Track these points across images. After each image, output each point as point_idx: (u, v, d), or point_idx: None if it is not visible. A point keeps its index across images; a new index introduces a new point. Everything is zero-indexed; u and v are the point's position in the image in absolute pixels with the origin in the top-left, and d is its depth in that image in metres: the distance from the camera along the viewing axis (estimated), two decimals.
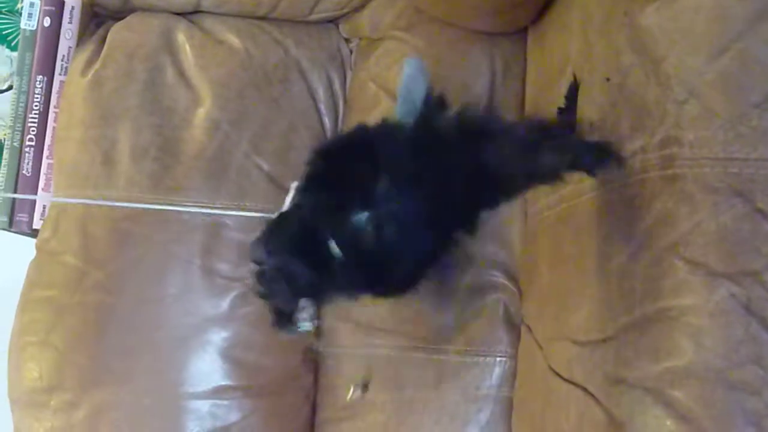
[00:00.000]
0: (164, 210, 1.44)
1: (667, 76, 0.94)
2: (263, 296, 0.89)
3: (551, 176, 0.95)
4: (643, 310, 0.94)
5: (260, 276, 0.88)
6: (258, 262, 0.88)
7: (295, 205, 0.90)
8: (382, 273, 0.91)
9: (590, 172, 0.96)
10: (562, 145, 0.95)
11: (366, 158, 0.89)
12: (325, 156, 0.95)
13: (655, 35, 0.97)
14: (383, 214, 0.87)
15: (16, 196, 1.58)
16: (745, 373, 0.84)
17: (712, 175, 0.89)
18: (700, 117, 0.90)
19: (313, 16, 1.59)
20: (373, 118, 1.47)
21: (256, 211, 1.45)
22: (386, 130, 0.96)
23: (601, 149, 0.95)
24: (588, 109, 1.13)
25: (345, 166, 0.91)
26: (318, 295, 0.89)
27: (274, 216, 0.88)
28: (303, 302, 0.88)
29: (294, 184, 0.92)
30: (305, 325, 0.90)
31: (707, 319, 0.87)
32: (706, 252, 0.88)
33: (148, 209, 1.44)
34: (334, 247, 0.87)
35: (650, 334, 0.93)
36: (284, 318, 0.90)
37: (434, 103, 1.00)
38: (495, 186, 0.95)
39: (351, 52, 1.61)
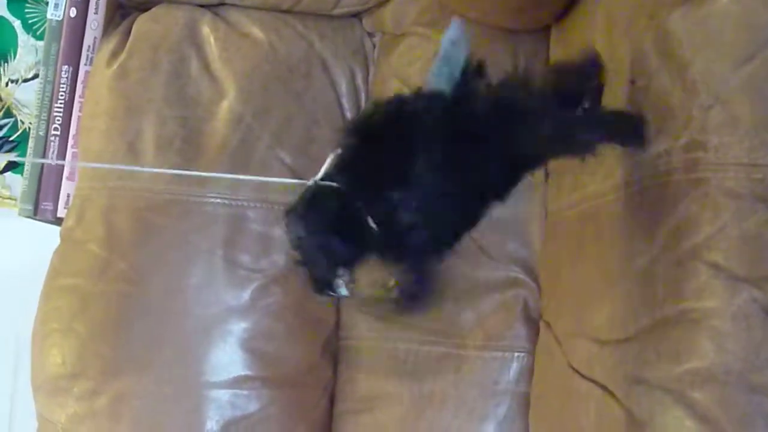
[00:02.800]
0: (187, 200, 1.46)
1: (693, 81, 0.95)
2: (302, 265, 0.91)
3: (585, 151, 0.96)
4: (665, 311, 0.95)
5: (298, 248, 0.90)
6: (296, 238, 0.90)
7: (329, 176, 0.90)
8: (416, 245, 0.92)
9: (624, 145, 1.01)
10: (598, 121, 0.98)
11: (402, 133, 0.89)
12: (361, 128, 0.95)
13: (682, 40, 0.98)
14: (418, 193, 0.87)
15: (44, 161, 1.60)
16: (765, 377, 0.85)
17: (736, 180, 0.90)
18: (725, 123, 0.91)
19: (337, 10, 1.60)
20: None
21: (277, 203, 1.46)
22: (423, 102, 0.95)
23: (633, 122, 0.99)
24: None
25: (381, 140, 0.90)
26: (355, 264, 0.91)
27: (309, 183, 0.88)
28: (340, 270, 0.91)
29: (332, 154, 0.92)
30: (342, 290, 0.92)
31: (729, 322, 0.88)
32: (729, 256, 0.89)
33: (172, 199, 1.45)
34: (371, 223, 0.88)
35: (672, 335, 0.94)
36: (322, 284, 0.92)
37: (472, 74, 0.97)
38: (528, 161, 0.97)
39: (374, 46, 1.62)
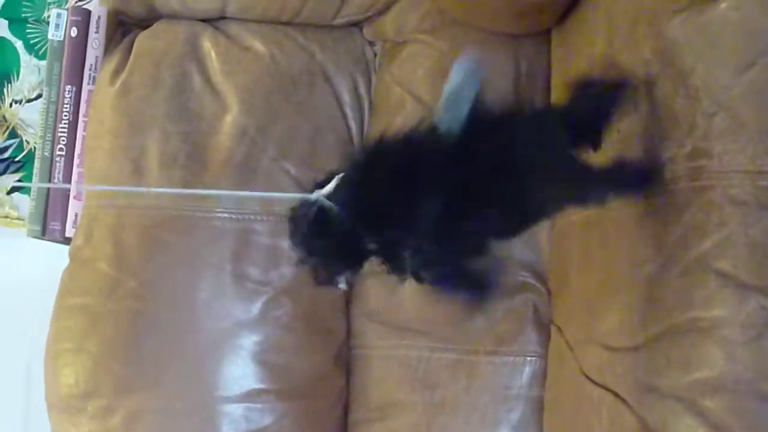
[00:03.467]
0: (194, 216, 1.46)
1: (696, 88, 0.95)
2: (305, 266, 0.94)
3: (597, 204, 0.97)
4: (674, 320, 0.95)
5: (302, 261, 0.92)
6: (299, 255, 0.92)
7: (333, 197, 0.90)
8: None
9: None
10: (611, 177, 0.98)
11: (407, 174, 0.89)
12: (366, 166, 0.95)
13: (682, 47, 0.98)
14: (419, 233, 0.88)
15: (50, 185, 1.60)
16: None
17: (741, 188, 0.90)
18: (729, 130, 0.91)
19: (337, 20, 1.60)
20: (398, 122, 1.49)
21: (284, 216, 1.46)
22: (430, 144, 0.94)
23: (647, 174, 0.99)
24: (615, 118, 1.14)
25: (386, 179, 0.90)
26: (354, 271, 0.94)
27: (313, 198, 0.89)
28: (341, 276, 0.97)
29: (338, 177, 0.92)
30: (341, 285, 0.99)
31: (738, 331, 0.88)
32: (736, 264, 0.89)
33: (179, 215, 1.46)
34: (371, 246, 0.90)
35: (681, 344, 0.94)
36: (324, 282, 0.96)
37: (482, 116, 0.93)
38: (536, 214, 0.98)
39: (375, 55, 1.62)
